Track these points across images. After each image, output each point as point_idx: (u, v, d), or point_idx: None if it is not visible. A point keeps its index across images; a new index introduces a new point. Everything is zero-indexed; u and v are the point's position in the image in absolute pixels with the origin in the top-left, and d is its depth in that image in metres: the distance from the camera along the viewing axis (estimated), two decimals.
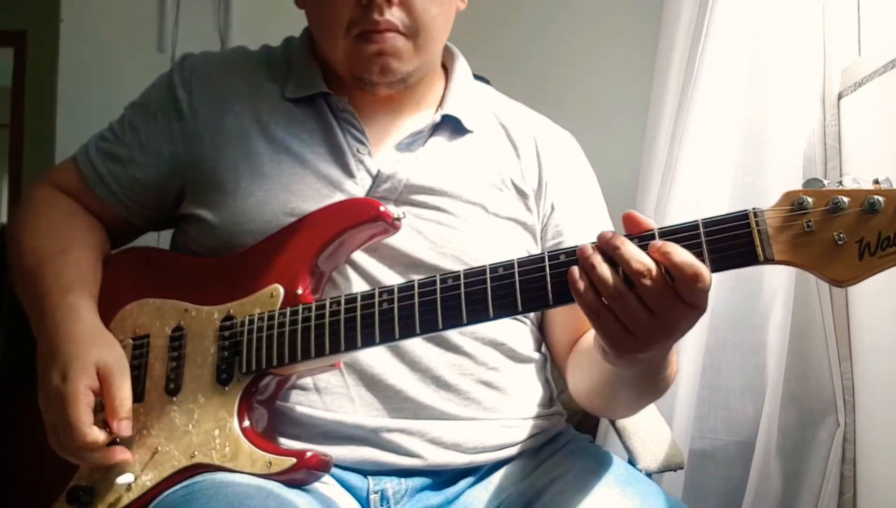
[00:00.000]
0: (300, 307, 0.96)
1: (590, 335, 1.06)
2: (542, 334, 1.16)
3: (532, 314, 1.13)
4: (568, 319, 1.11)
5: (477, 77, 1.25)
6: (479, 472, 1.05)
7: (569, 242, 1.12)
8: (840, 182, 0.80)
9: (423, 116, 1.13)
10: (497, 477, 1.04)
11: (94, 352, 0.98)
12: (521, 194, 1.12)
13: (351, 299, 0.94)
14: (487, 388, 1.05)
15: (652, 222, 0.83)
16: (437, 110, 1.13)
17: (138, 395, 1.00)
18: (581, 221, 1.14)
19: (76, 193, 1.16)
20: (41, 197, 1.16)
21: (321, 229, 1.01)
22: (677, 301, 0.79)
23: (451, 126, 1.12)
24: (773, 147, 1.67)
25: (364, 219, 1.00)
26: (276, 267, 1.00)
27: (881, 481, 1.55)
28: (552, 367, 1.18)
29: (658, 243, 0.80)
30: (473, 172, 1.10)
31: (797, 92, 1.65)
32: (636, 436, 1.20)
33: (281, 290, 0.99)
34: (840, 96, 1.67)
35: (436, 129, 1.12)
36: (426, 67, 1.10)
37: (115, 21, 2.24)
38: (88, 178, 1.15)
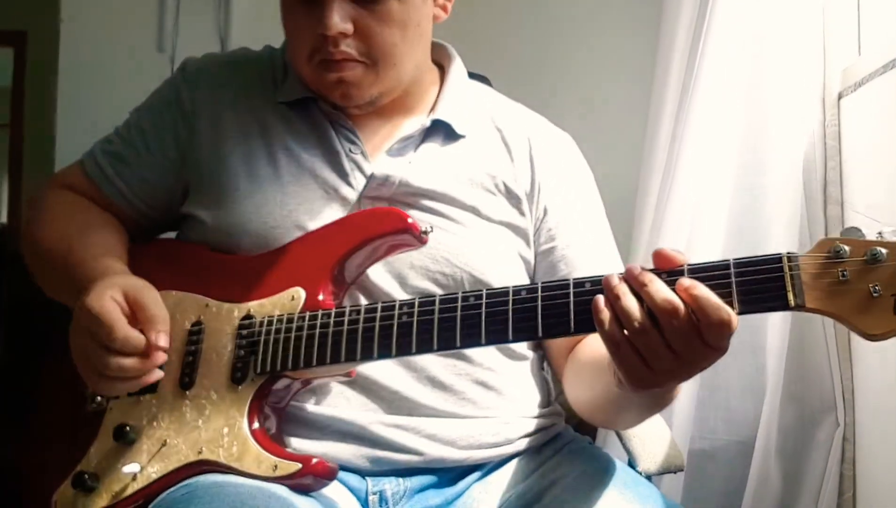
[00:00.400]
0: (319, 313, 0.96)
1: (587, 343, 1.06)
2: None
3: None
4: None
5: (477, 76, 1.25)
6: (478, 473, 1.05)
7: (561, 246, 1.11)
8: (880, 233, 0.78)
9: (414, 120, 1.13)
10: (497, 479, 1.04)
11: (122, 279, 0.98)
12: (514, 197, 1.11)
13: (371, 309, 0.94)
14: (483, 388, 1.05)
15: (682, 256, 0.82)
16: (429, 115, 1.13)
17: (152, 386, 1.00)
18: (576, 225, 1.13)
19: (86, 194, 1.17)
20: (55, 196, 1.17)
21: (347, 237, 1.01)
22: (700, 343, 0.79)
23: (444, 130, 1.12)
24: (773, 147, 1.67)
25: (391, 229, 0.99)
26: (298, 270, 1.01)
27: (881, 480, 1.55)
28: (549, 368, 1.18)
29: (686, 282, 0.79)
30: (466, 177, 1.09)
31: (797, 92, 1.65)
32: (636, 438, 1.20)
33: (302, 293, 0.99)
34: (840, 96, 1.67)
35: (427, 133, 1.11)
36: (397, 87, 1.10)
37: (115, 21, 2.24)
38: (97, 179, 1.15)
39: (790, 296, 0.78)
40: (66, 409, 1.09)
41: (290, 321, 0.97)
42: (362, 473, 1.01)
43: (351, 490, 1.01)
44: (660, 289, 0.79)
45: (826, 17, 1.66)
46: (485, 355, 1.06)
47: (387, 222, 1.00)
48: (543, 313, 0.86)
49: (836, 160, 1.65)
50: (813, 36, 1.65)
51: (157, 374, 0.95)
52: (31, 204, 1.19)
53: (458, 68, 1.19)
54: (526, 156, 1.13)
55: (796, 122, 1.65)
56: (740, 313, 0.79)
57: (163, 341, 0.94)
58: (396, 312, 0.92)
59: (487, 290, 0.89)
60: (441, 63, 1.19)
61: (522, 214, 1.11)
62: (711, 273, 0.80)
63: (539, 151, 1.14)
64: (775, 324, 1.66)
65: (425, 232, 0.99)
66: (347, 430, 1.00)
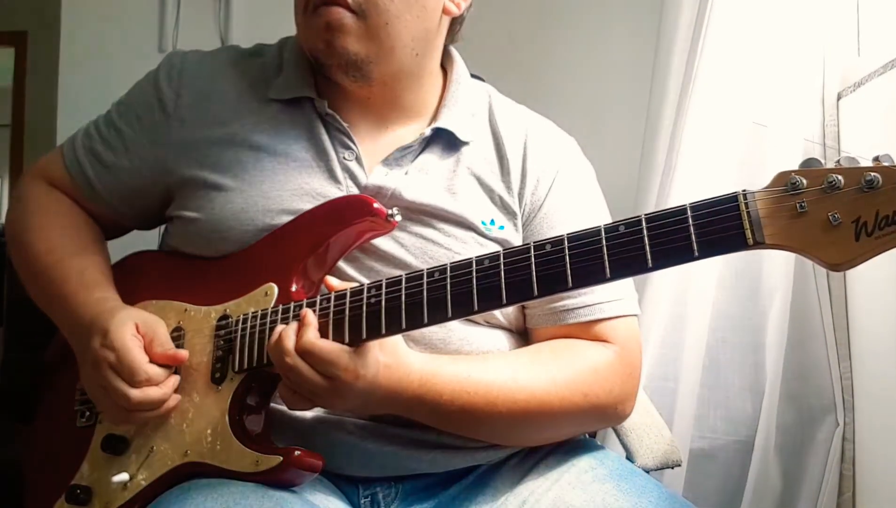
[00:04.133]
0: (291, 305, 0.96)
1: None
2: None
3: (517, 324, 1.10)
4: (545, 333, 1.08)
5: (472, 76, 1.24)
6: (473, 474, 1.05)
7: None
8: (838, 161, 0.76)
9: (413, 128, 1.11)
10: (492, 479, 1.04)
11: (132, 313, 1.01)
12: (510, 212, 1.08)
13: (340, 296, 0.93)
14: None
15: None
16: (430, 122, 1.10)
17: None
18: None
19: (67, 190, 1.16)
20: (39, 195, 1.16)
21: (315, 227, 1.01)
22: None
23: (445, 139, 1.09)
24: (773, 147, 1.67)
25: (357, 216, 0.99)
26: (270, 266, 1.01)
27: (880, 480, 1.55)
28: None
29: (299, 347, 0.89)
30: (463, 191, 1.07)
31: (796, 92, 1.65)
32: (633, 434, 1.19)
33: (275, 288, 0.99)
34: (839, 97, 1.67)
35: (428, 143, 1.09)
36: (388, 56, 1.05)
37: (115, 21, 2.25)
38: (77, 179, 1.15)
39: (748, 234, 0.76)
40: (54, 429, 1.10)
41: (263, 316, 0.97)
42: (354, 478, 1.01)
43: (343, 492, 1.01)
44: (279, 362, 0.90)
45: (825, 17, 1.66)
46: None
47: (353, 208, 1.00)
48: (507, 278, 0.85)
49: (835, 161, 1.65)
50: (812, 36, 1.65)
51: (176, 398, 0.98)
52: (18, 203, 1.17)
53: (460, 71, 1.16)
54: (519, 168, 1.10)
55: (796, 122, 1.65)
56: (700, 257, 0.78)
57: (182, 355, 0.99)
58: (365, 295, 0.91)
59: (452, 263, 0.89)
60: (444, 66, 1.17)
61: (517, 229, 1.09)
62: (669, 219, 0.79)
63: (533, 161, 1.11)
64: (775, 323, 1.67)
65: (391, 215, 0.99)
66: (335, 437, 0.99)
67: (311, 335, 0.90)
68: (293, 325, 0.91)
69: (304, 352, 0.89)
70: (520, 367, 1.01)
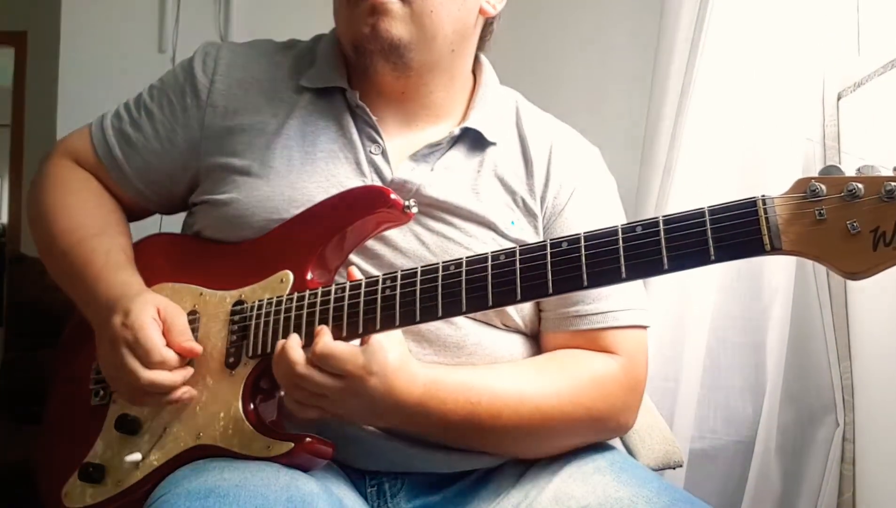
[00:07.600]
0: (307, 293, 0.97)
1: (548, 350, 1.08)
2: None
3: (532, 327, 1.10)
4: (556, 339, 1.08)
5: None
6: (477, 471, 1.05)
7: None
8: (859, 169, 0.75)
9: (441, 127, 1.12)
10: (495, 475, 1.04)
11: (152, 297, 1.02)
12: (531, 215, 1.09)
13: (355, 286, 0.94)
14: None
15: None
16: (459, 122, 1.11)
17: None
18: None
19: (92, 169, 1.17)
20: (64, 173, 1.17)
21: (332, 216, 1.01)
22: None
23: (472, 138, 1.10)
24: (773, 147, 1.67)
25: (374, 206, 0.99)
26: (287, 253, 1.01)
27: (880, 480, 1.56)
28: None
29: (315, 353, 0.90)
30: (486, 191, 1.08)
31: (796, 92, 1.65)
32: (635, 434, 1.20)
33: (290, 276, 1.00)
34: (839, 97, 1.67)
35: (455, 141, 1.10)
36: (429, 45, 1.07)
37: (115, 21, 2.25)
38: (104, 159, 1.15)
39: (766, 240, 0.76)
40: (68, 406, 1.11)
41: (279, 303, 0.98)
42: (361, 469, 1.02)
43: (351, 481, 1.02)
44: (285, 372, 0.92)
45: (825, 17, 1.66)
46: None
47: (370, 199, 1.00)
48: (522, 275, 0.86)
49: (835, 161, 1.65)
50: (812, 36, 1.65)
51: (190, 392, 0.98)
52: (43, 179, 1.18)
53: (489, 76, 1.18)
54: (543, 172, 1.11)
55: (796, 122, 1.65)
56: (717, 260, 0.78)
57: (198, 347, 0.99)
58: (380, 286, 0.92)
59: (468, 257, 0.90)
60: (474, 72, 1.18)
61: (537, 231, 1.09)
62: (687, 222, 0.80)
63: (557, 166, 1.12)
64: (775, 323, 1.67)
65: (408, 207, 0.99)
66: (345, 429, 0.99)
67: (327, 338, 0.91)
68: (294, 337, 0.93)
69: (322, 357, 0.90)
70: (525, 379, 1.01)
